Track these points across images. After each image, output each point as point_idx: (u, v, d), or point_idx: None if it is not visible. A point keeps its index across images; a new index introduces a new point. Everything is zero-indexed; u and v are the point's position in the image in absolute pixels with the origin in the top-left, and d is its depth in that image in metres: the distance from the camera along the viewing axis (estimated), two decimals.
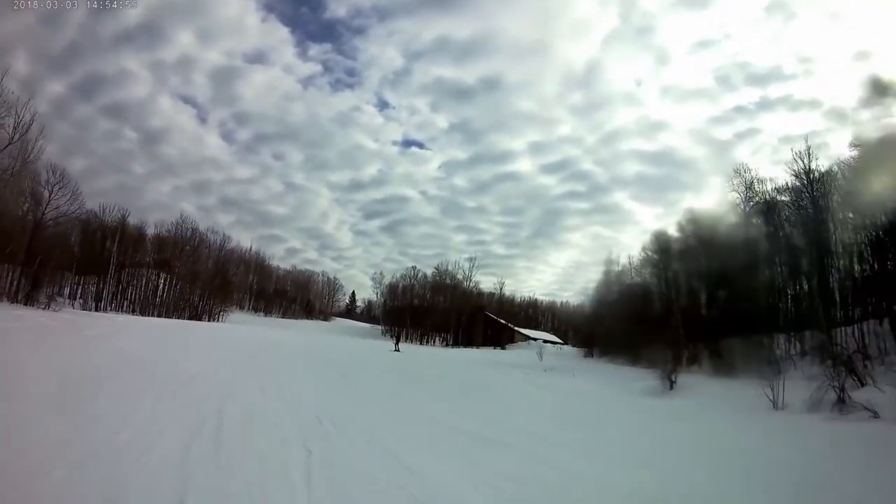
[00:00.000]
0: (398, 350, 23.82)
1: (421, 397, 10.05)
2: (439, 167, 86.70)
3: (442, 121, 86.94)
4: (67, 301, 29.68)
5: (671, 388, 12.73)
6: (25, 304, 19.86)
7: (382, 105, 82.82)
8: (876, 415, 8.72)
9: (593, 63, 74.27)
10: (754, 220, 19.93)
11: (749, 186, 20.26)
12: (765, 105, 57.48)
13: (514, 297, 57.61)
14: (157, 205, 60.28)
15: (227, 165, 78.81)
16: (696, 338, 19.55)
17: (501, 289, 53.03)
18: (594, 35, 75.52)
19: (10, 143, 18.48)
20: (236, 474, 3.79)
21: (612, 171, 72.18)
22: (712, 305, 20.71)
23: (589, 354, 27.81)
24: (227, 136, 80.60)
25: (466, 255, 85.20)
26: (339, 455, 4.67)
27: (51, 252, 24.57)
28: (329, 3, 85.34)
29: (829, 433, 7.74)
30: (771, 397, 10.33)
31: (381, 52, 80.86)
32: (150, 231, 39.10)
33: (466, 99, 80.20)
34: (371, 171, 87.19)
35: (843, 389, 9.61)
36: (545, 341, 41.63)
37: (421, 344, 47.50)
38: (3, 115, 18.37)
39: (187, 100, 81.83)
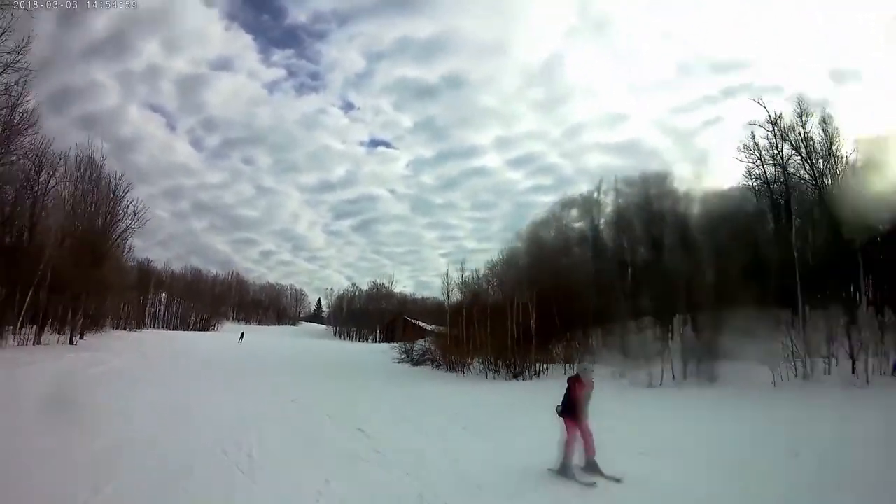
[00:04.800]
0: (241, 341, 37.22)
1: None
2: (406, 165, 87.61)
3: (406, 120, 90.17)
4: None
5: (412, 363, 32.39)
6: (124, 329, 38.77)
7: (347, 107, 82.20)
8: None
9: (552, 59, 75.34)
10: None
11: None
12: (728, 92, 55.33)
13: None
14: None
15: (197, 171, 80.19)
16: None
17: (410, 296, 71.09)
18: (552, 32, 78.20)
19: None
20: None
21: (578, 163, 69.21)
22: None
23: None
24: (196, 143, 78.70)
25: (440, 252, 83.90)
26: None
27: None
28: (290, 9, 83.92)
29: None
30: None
31: (343, 55, 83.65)
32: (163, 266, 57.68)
33: (430, 97, 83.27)
34: (339, 171, 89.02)
35: None
36: None
37: (360, 341, 67.21)
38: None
39: (156, 108, 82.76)
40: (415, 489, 5.99)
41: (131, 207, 25.79)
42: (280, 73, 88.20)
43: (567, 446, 6.76)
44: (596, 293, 22.62)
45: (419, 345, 29.91)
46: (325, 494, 5.72)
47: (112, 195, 24.19)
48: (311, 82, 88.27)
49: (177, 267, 59.75)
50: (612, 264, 23.42)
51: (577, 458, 6.75)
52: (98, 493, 5.26)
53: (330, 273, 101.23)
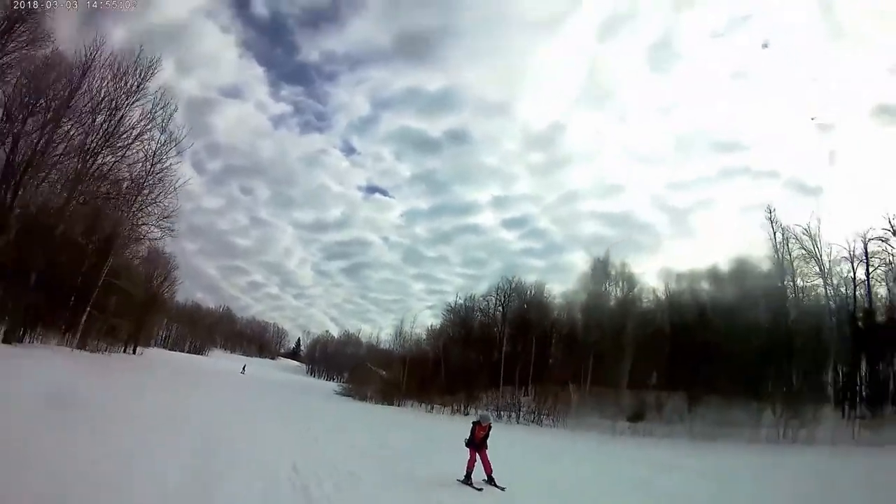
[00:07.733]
0: (243, 373, 49.34)
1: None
2: (401, 215, 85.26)
3: (405, 170, 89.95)
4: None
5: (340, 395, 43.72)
6: (144, 346, 50.24)
7: (348, 150, 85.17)
8: None
9: (554, 125, 78.88)
10: None
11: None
12: (725, 173, 59.27)
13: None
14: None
15: (196, 195, 72.82)
16: None
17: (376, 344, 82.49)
18: (556, 98, 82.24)
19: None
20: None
21: (570, 230, 68.90)
22: None
23: None
24: (198, 166, 78.41)
25: (426, 304, 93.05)
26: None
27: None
28: (302, 47, 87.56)
29: None
30: None
31: (350, 98, 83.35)
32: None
33: (431, 150, 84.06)
34: (335, 213, 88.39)
35: None
36: None
37: (328, 380, 77.94)
38: None
39: (163, 127, 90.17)
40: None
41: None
42: (287, 108, 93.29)
43: (469, 464, 10.20)
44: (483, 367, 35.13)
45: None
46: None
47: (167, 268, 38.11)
48: (315, 122, 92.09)
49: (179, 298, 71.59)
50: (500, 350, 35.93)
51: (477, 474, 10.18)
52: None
53: (315, 312, 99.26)
